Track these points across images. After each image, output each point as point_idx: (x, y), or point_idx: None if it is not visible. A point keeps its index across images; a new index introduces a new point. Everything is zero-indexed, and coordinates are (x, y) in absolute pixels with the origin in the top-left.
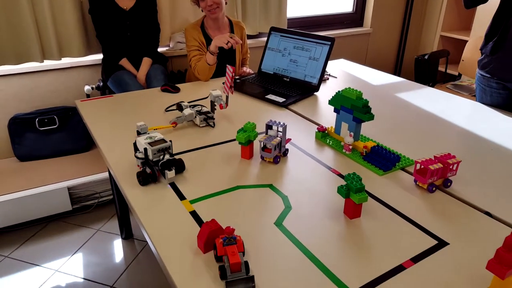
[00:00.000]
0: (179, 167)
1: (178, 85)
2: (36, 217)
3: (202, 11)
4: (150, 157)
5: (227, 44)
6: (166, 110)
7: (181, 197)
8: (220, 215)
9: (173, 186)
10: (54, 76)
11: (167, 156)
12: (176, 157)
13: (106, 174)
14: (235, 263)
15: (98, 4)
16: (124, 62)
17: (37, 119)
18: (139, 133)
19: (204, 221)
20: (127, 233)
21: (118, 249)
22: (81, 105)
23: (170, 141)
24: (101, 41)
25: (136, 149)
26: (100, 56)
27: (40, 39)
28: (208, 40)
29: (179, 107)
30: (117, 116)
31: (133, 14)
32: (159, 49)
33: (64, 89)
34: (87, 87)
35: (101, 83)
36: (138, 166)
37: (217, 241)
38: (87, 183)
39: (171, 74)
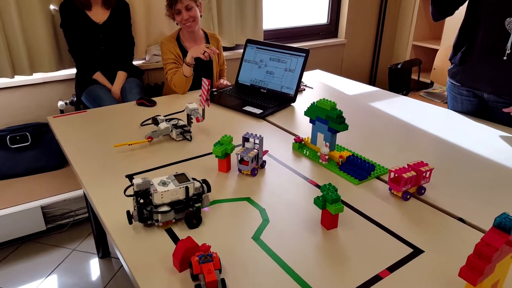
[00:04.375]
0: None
1: (154, 99)
2: (8, 239)
3: (177, 24)
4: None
5: (204, 54)
6: (142, 124)
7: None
8: (197, 231)
9: None
10: (26, 91)
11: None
12: (151, 173)
13: (81, 192)
14: (211, 281)
15: (70, 18)
16: (98, 76)
17: (8, 136)
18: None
19: (180, 239)
20: (104, 251)
21: (94, 268)
22: (53, 121)
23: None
24: (74, 56)
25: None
26: (73, 71)
27: (10, 54)
28: (184, 53)
29: (155, 121)
30: (91, 132)
31: (106, 28)
32: (135, 62)
33: (37, 105)
34: (60, 103)
35: (75, 98)
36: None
37: (192, 259)
38: (62, 202)
39: (148, 87)
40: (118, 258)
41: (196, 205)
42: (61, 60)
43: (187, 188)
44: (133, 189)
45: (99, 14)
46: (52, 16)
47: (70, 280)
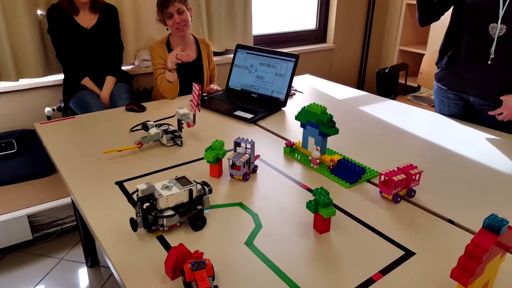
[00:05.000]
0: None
1: (143, 104)
2: None
3: (168, 29)
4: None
5: (177, 56)
6: (131, 130)
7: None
8: (189, 238)
9: None
10: (12, 98)
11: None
12: (142, 179)
13: (69, 200)
14: None
15: (58, 23)
16: (87, 82)
17: None
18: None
19: (172, 246)
20: (92, 260)
21: (83, 278)
22: (40, 128)
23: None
24: (62, 61)
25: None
26: (61, 76)
27: None
28: None
29: (145, 126)
30: (79, 138)
31: (94, 33)
32: (124, 67)
33: (23, 111)
34: (47, 109)
35: (63, 104)
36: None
37: (185, 266)
38: (49, 210)
39: (137, 93)
40: (108, 267)
41: (198, 207)
42: (48, 65)
43: (190, 191)
44: (137, 195)
45: (87, 19)
46: (39, 21)
47: None
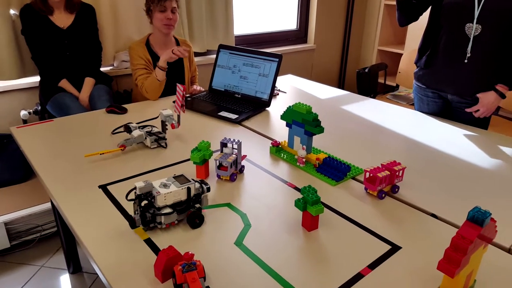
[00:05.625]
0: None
1: (124, 106)
2: None
3: (151, 23)
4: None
5: (174, 53)
6: (113, 132)
7: (134, 225)
8: (178, 240)
9: (125, 213)
10: None
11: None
12: (127, 182)
13: (48, 205)
14: None
15: (32, 23)
16: (64, 84)
17: None
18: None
19: (161, 249)
20: (75, 266)
21: (65, 285)
22: (17, 132)
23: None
24: (37, 63)
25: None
26: (36, 78)
27: None
28: (155, 58)
29: (127, 128)
30: (59, 142)
31: (71, 33)
32: (103, 69)
33: None
34: (23, 112)
35: (39, 107)
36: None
37: (175, 268)
38: (27, 217)
39: (117, 94)
40: (91, 273)
41: (196, 205)
42: (23, 67)
43: (188, 189)
44: (135, 193)
45: (62, 19)
46: (13, 21)
47: None
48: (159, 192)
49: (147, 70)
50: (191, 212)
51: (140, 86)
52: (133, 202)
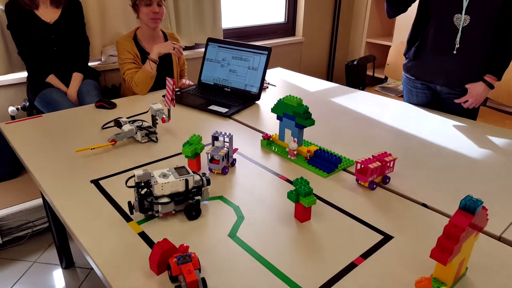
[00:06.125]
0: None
1: (114, 100)
2: None
3: (138, 17)
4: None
5: (174, 50)
6: (103, 127)
7: (128, 219)
8: (172, 233)
9: (118, 207)
10: None
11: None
12: (119, 176)
13: (39, 201)
14: (192, 281)
15: (17, 18)
16: (52, 79)
17: None
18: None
19: (155, 242)
20: (67, 261)
21: (58, 280)
22: (6, 128)
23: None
24: (24, 58)
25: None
26: (24, 74)
27: None
28: (143, 52)
29: (117, 123)
30: (49, 137)
31: (58, 27)
32: (91, 64)
33: None
34: (11, 108)
35: (27, 103)
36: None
37: (171, 260)
38: (18, 213)
39: (105, 89)
40: (84, 267)
41: (196, 198)
42: (10, 62)
43: (186, 181)
44: (134, 180)
45: (49, 13)
46: None
47: None
48: (156, 181)
49: (135, 64)
50: (189, 203)
51: (128, 81)
52: (133, 189)
